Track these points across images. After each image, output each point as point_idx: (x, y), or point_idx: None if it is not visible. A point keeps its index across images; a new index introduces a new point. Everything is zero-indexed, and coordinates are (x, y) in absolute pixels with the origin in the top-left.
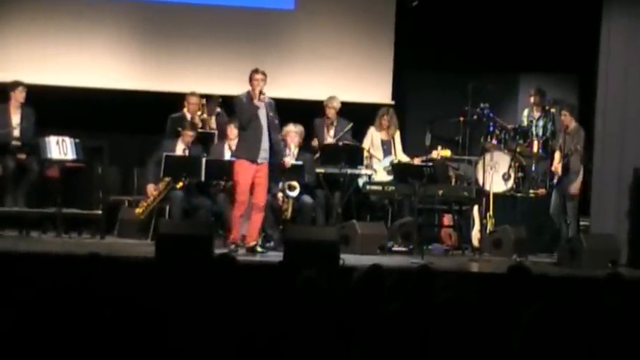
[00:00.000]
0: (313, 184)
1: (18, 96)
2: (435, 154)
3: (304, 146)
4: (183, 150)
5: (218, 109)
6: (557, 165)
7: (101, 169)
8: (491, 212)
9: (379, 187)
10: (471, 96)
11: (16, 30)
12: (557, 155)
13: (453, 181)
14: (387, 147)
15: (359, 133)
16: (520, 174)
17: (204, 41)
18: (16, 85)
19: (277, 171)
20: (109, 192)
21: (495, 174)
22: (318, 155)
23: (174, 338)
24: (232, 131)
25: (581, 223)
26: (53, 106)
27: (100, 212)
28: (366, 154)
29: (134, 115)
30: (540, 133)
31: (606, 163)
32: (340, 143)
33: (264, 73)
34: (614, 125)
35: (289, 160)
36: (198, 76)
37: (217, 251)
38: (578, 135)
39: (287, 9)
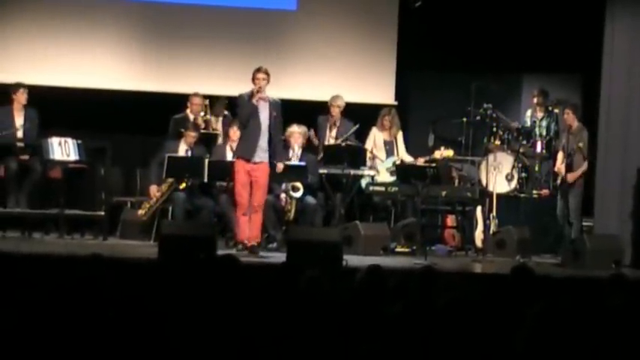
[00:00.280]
0: (316, 185)
1: (20, 97)
2: (438, 155)
3: (307, 147)
4: (186, 151)
5: (225, 112)
6: (560, 165)
7: (104, 170)
8: (494, 213)
9: (382, 188)
10: (474, 96)
11: (18, 31)
12: (560, 155)
13: (457, 181)
14: (389, 147)
15: (361, 134)
16: (523, 174)
17: (207, 42)
18: (18, 86)
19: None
20: (112, 193)
21: (499, 174)
22: (320, 156)
23: (177, 339)
24: (235, 133)
25: (585, 223)
26: (56, 107)
27: (102, 213)
28: (368, 154)
29: (137, 115)
30: (544, 133)
31: (610, 164)
32: (343, 144)
33: (266, 72)
34: (618, 125)
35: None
36: (201, 77)
37: (220, 252)
38: (582, 135)
39: (289, 9)
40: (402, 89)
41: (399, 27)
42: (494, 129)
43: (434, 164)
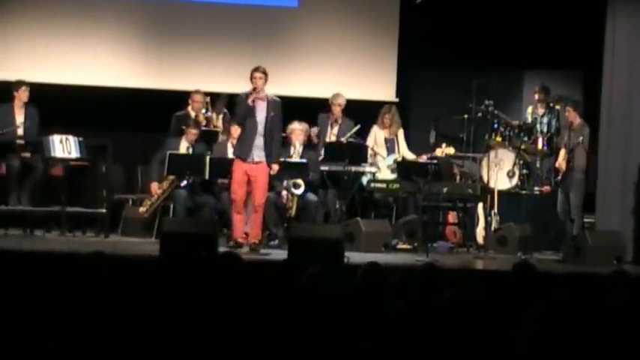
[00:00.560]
0: (318, 182)
1: (21, 95)
2: (439, 153)
3: (309, 144)
4: (187, 148)
5: (225, 110)
6: (561, 162)
7: (105, 167)
8: (495, 209)
9: (383, 185)
10: (475, 93)
11: (19, 28)
12: (562, 152)
13: (458, 178)
14: (390, 145)
15: (363, 131)
16: (525, 171)
17: (208, 39)
18: (19, 84)
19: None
20: (113, 190)
21: (500, 171)
22: (322, 157)
23: (179, 336)
24: (236, 130)
25: (586, 220)
26: (57, 105)
27: (104, 211)
28: (369, 151)
29: (138, 113)
30: (545, 130)
31: (611, 160)
32: (344, 141)
33: (264, 72)
34: (619, 122)
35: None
36: (203, 74)
37: (221, 249)
38: (583, 131)
39: (291, 6)
40: (403, 86)
41: (400, 24)
42: (496, 126)
43: (435, 161)
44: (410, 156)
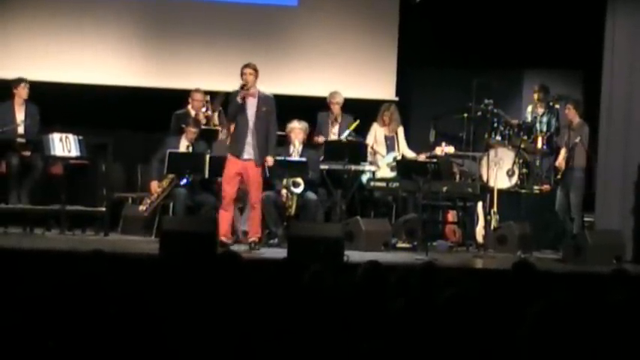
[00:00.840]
0: (317, 181)
1: (21, 92)
2: (439, 152)
3: (308, 143)
4: (187, 147)
5: (220, 108)
6: (561, 161)
7: (105, 166)
8: (495, 208)
9: (383, 184)
10: (475, 92)
11: (19, 27)
12: (562, 151)
13: (458, 177)
14: (390, 143)
15: (362, 130)
16: (524, 170)
17: (208, 38)
18: (19, 81)
19: (275, 168)
20: (113, 189)
21: (500, 170)
22: (322, 158)
23: (179, 335)
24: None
25: (586, 219)
26: (57, 103)
27: (103, 209)
28: (369, 150)
29: (138, 112)
30: (544, 129)
31: (611, 159)
32: (344, 139)
33: (254, 68)
34: (619, 121)
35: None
36: (202, 73)
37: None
38: (583, 130)
39: (291, 5)
40: (403, 85)
41: (400, 23)
42: (495, 125)
43: (435, 160)
44: (410, 154)
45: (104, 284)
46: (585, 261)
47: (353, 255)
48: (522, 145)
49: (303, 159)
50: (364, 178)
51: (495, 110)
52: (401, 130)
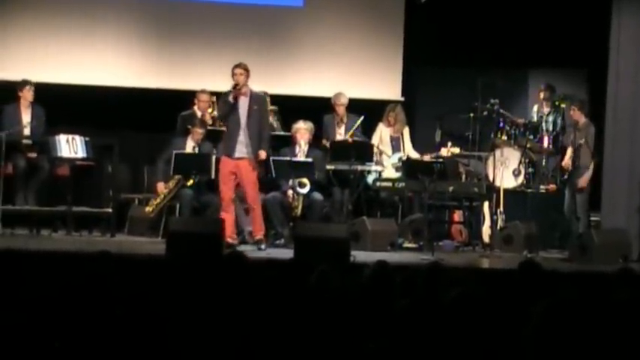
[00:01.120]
0: (323, 181)
1: (26, 94)
2: (444, 152)
3: (314, 143)
4: (193, 147)
5: None
6: (567, 160)
7: (111, 167)
8: (501, 208)
9: (389, 184)
10: (480, 92)
11: (20, 29)
12: (568, 151)
13: (463, 177)
14: (395, 143)
15: (368, 130)
16: (530, 170)
17: (214, 38)
18: (23, 83)
19: (279, 168)
20: (119, 190)
21: (505, 170)
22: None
23: (184, 335)
24: None
25: (592, 218)
26: (63, 105)
27: (110, 210)
28: (375, 150)
29: (144, 113)
30: (550, 128)
31: (616, 159)
32: (350, 140)
33: (244, 68)
34: (625, 120)
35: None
36: (208, 74)
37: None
38: (588, 130)
39: (296, 6)
40: (408, 85)
41: (405, 23)
42: (501, 124)
43: (441, 160)
44: (414, 155)
45: (110, 285)
46: (591, 260)
47: (359, 255)
48: (528, 145)
49: (309, 159)
50: (370, 178)
51: (501, 110)
52: (407, 131)
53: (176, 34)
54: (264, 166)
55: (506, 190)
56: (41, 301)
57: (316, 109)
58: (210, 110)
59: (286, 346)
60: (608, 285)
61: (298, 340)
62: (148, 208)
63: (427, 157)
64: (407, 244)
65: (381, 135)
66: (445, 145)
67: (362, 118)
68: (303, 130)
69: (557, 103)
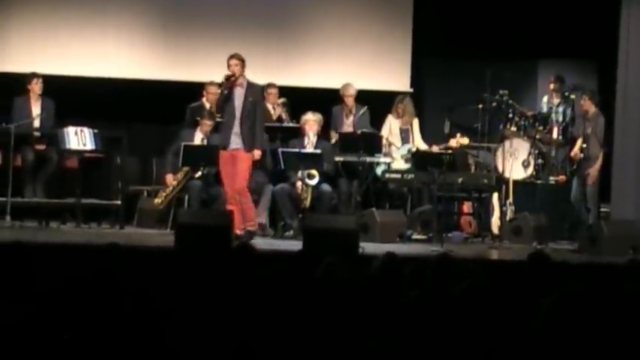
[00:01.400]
0: (332, 173)
1: (35, 87)
2: (453, 143)
3: (323, 135)
4: (202, 139)
5: None
6: (576, 151)
7: (120, 159)
8: (510, 199)
9: (398, 176)
10: (489, 83)
11: (30, 20)
12: (578, 142)
13: (473, 168)
14: (405, 135)
15: (378, 121)
16: (540, 161)
17: (222, 30)
18: (31, 76)
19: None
20: (128, 182)
21: (515, 161)
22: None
23: (192, 327)
24: None
25: (602, 209)
26: (72, 97)
27: (119, 202)
28: (384, 141)
29: (153, 105)
30: (560, 119)
31: (626, 149)
32: (359, 131)
33: (239, 58)
34: (635, 111)
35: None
36: (217, 65)
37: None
38: (598, 121)
39: None
40: (417, 76)
41: (414, 14)
42: (511, 115)
43: (450, 151)
44: (423, 147)
45: (119, 277)
46: (601, 251)
47: (368, 247)
48: (538, 136)
49: (318, 151)
50: (379, 169)
51: (510, 101)
52: (416, 122)
53: (183, 26)
54: (273, 157)
55: (515, 182)
56: (50, 293)
57: (325, 100)
58: None
59: (294, 339)
60: (618, 276)
61: (306, 332)
62: (157, 200)
63: (436, 149)
64: (416, 236)
65: (391, 126)
66: (454, 137)
67: (366, 107)
68: (311, 121)
69: (567, 94)
